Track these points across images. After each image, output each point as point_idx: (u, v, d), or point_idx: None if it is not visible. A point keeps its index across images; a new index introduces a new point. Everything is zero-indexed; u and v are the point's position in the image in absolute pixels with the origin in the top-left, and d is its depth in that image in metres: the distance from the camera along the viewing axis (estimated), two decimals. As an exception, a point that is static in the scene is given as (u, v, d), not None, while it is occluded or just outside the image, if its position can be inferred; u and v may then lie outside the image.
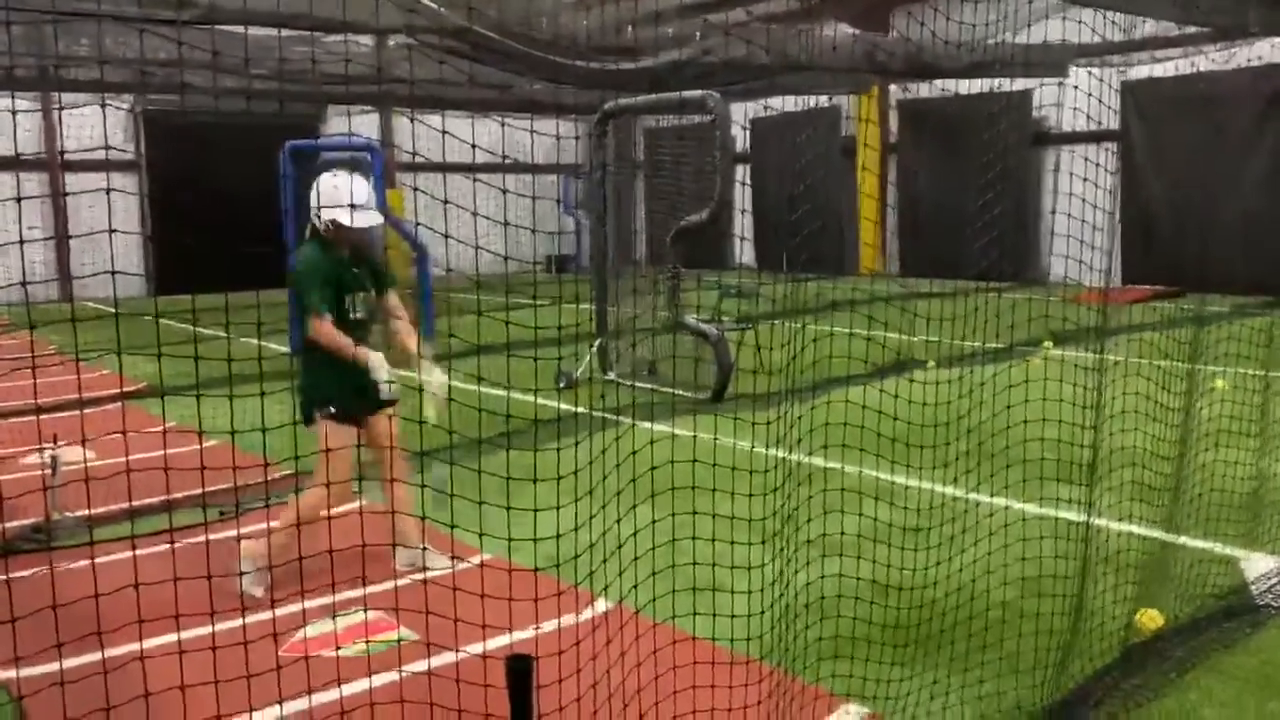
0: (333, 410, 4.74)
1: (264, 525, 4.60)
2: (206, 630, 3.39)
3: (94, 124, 16.78)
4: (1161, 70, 15.85)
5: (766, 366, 9.22)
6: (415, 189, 3.41)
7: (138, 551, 2.74)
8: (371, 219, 4.75)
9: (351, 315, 4.80)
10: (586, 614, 3.97)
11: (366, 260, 4.94)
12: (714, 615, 3.41)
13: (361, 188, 4.75)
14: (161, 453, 2.83)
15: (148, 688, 2.79)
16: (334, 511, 4.24)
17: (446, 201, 2.99)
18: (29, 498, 5.47)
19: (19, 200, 2.75)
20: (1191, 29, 12.88)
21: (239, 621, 3.02)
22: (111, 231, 2.79)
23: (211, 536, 4.35)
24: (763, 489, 3.32)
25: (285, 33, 11.05)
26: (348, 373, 4.71)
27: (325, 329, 4.63)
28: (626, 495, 3.25)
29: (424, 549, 4.90)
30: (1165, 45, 13.90)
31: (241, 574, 4.60)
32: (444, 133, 3.13)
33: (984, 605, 4.14)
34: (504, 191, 3.29)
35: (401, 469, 4.92)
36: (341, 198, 4.69)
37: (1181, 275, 15.50)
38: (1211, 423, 5.47)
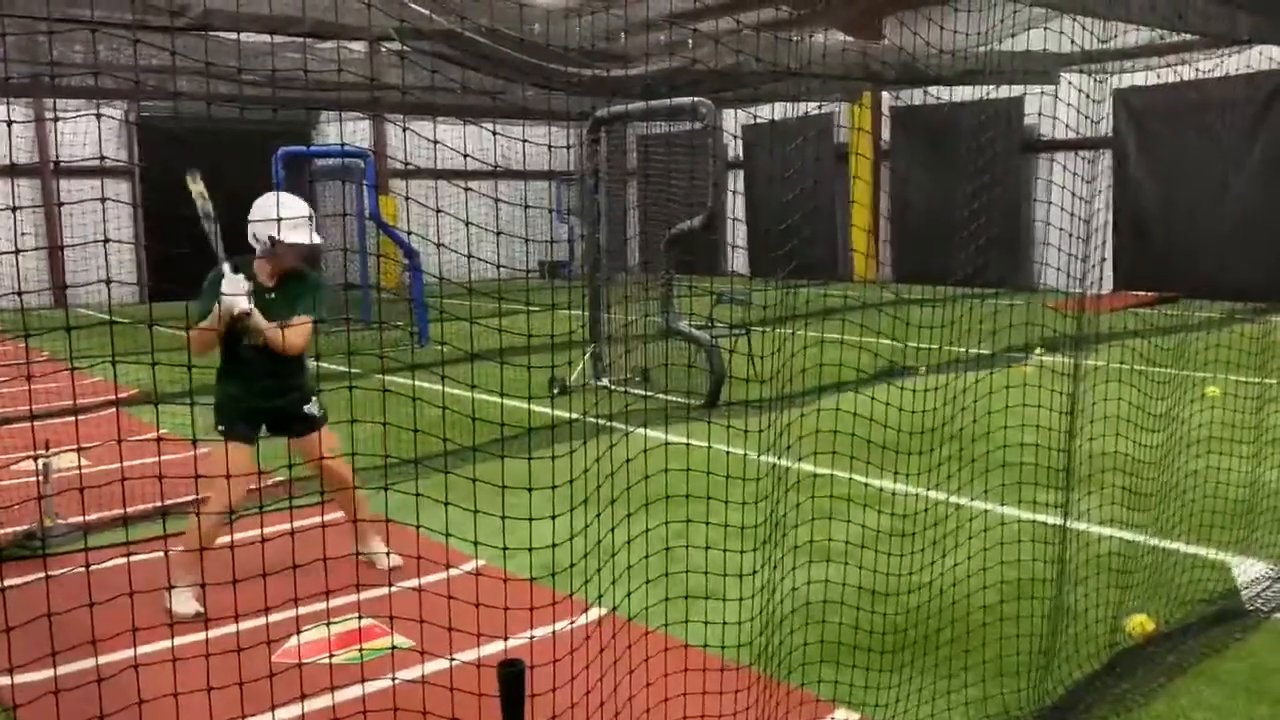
0: (222, 429, 4.63)
1: (256, 533, 4.60)
2: (200, 637, 3.39)
3: (86, 131, 16.77)
4: (1155, 78, 15.93)
5: (759, 373, 9.23)
6: (408, 197, 3.43)
7: (131, 558, 2.74)
8: (315, 235, 4.66)
9: (248, 342, 4.57)
10: (579, 621, 3.98)
11: (291, 284, 4.72)
12: (706, 622, 3.42)
13: (301, 205, 4.71)
14: (154, 460, 2.83)
15: (141, 695, 2.79)
16: (317, 520, 4.25)
17: (439, 211, 3.00)
18: (21, 504, 5.48)
19: (15, 209, 2.75)
20: (1182, 37, 12.95)
21: (233, 628, 3.02)
22: (106, 241, 2.79)
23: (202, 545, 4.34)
24: (754, 496, 3.34)
25: (277, 39, 11.06)
26: (249, 389, 4.64)
27: (193, 335, 4.41)
28: (619, 503, 3.26)
29: (388, 553, 4.98)
30: (1156, 53, 13.97)
31: (171, 587, 4.45)
32: (435, 142, 3.14)
33: (971, 610, 4.16)
34: (496, 200, 3.31)
35: (344, 477, 4.93)
36: (300, 210, 4.62)
37: (1174, 281, 15.57)
38: (1204, 429, 5.51)
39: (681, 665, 3.33)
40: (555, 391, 9.32)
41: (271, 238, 4.54)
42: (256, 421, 4.75)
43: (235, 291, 4.31)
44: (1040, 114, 17.46)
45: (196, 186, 4.37)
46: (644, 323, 9.79)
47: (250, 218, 4.64)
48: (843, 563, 3.82)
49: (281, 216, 4.45)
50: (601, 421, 7.43)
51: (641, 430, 6.26)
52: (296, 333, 4.52)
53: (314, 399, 4.90)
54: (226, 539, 4.19)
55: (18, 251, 2.65)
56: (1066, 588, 3.87)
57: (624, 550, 3.33)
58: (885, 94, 20.47)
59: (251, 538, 4.61)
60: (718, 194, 8.94)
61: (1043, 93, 15.24)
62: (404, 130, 3.34)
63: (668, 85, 9.89)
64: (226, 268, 4.37)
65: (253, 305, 4.38)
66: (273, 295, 4.65)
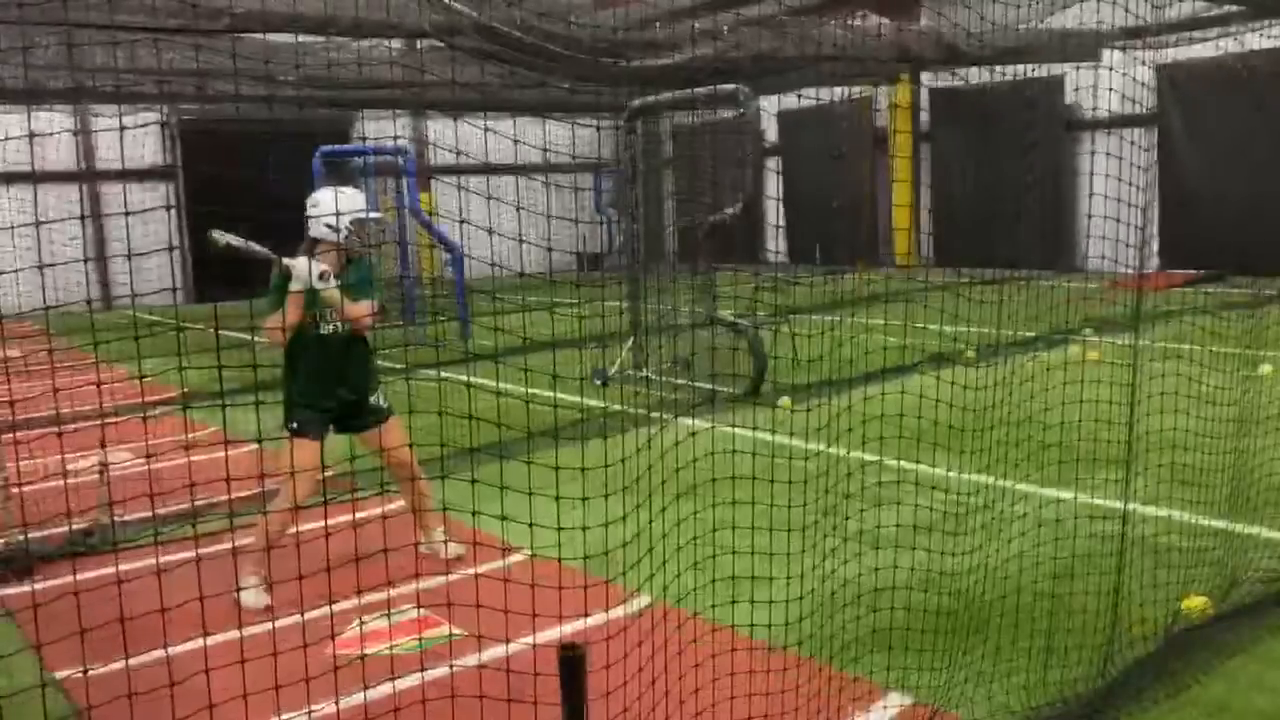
0: (294, 426, 4.75)
1: (319, 525, 4.68)
2: (265, 628, 3.47)
3: (130, 135, 17.01)
4: (1200, 51, 15.63)
5: (802, 361, 9.22)
6: (459, 187, 3.47)
7: (200, 553, 2.81)
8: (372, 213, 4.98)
9: (325, 315, 4.75)
10: (628, 608, 4.01)
11: (353, 270, 4.91)
12: (753, 602, 3.43)
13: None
14: (202, 457, 2.90)
15: (210, 686, 2.86)
16: (367, 515, 4.31)
17: (489, 198, 3.03)
18: (76, 503, 5.60)
19: (56, 219, 2.82)
20: (1226, 8, 12.70)
21: (297, 619, 3.09)
22: (155, 251, 2.85)
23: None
24: (800, 481, 3.35)
25: (314, 39, 11.16)
26: (318, 383, 4.77)
27: (271, 322, 4.65)
28: (666, 490, 3.29)
29: (445, 541, 5.13)
30: (1200, 26, 13.72)
31: (240, 589, 4.60)
32: (486, 129, 3.17)
33: (1022, 592, 4.14)
34: (515, 209, 3.31)
35: (413, 468, 5.04)
36: (359, 202, 4.91)
37: (1222, 258, 15.30)
38: (1261, 409, 5.42)
39: (731, 649, 3.35)
40: (597, 383, 9.36)
41: (371, 215, 4.85)
42: (326, 419, 4.86)
43: (308, 270, 4.53)
44: (1081, 91, 17.19)
45: (223, 240, 4.54)
46: (684, 313, 9.80)
47: (316, 212, 4.79)
48: (895, 548, 3.82)
49: (359, 205, 4.85)
50: (643, 411, 7.46)
51: (683, 419, 6.27)
52: (363, 307, 4.77)
53: (379, 390, 5.02)
54: (292, 531, 4.29)
55: (80, 261, 2.71)
56: (1125, 570, 3.83)
57: (672, 534, 3.35)
58: (923, 75, 20.23)
59: (315, 530, 4.71)
60: (756, 180, 8.92)
61: (1078, 69, 15.01)
62: (456, 122, 3.37)
63: (706, 72, 9.85)
64: (289, 261, 4.56)
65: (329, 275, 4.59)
66: (340, 283, 4.81)
